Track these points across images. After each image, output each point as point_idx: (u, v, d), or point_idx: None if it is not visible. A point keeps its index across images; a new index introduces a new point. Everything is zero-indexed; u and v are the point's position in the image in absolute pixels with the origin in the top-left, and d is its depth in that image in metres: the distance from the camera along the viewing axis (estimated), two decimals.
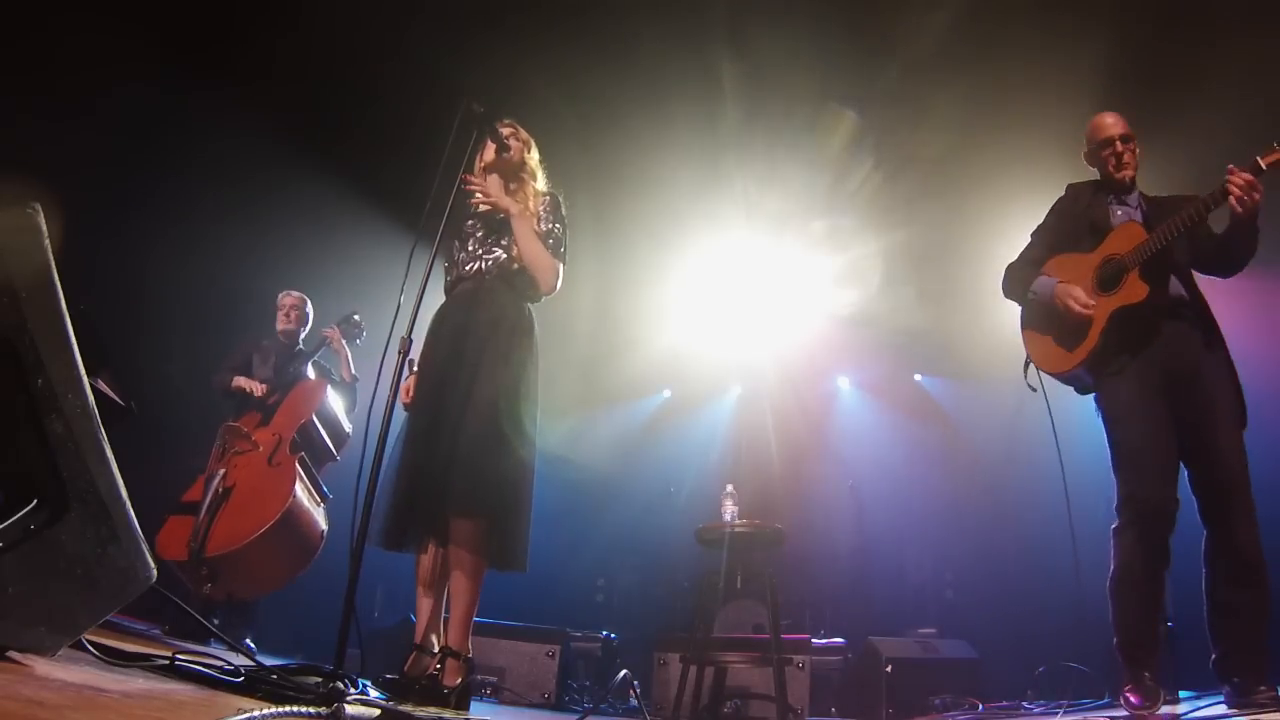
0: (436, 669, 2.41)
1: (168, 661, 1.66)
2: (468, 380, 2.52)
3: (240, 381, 4.12)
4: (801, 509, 6.24)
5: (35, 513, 1.22)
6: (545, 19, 4.78)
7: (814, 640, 4.30)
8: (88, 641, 1.51)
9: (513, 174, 2.83)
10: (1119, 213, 2.71)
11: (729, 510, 4.05)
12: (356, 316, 4.42)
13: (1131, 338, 2.55)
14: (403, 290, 2.47)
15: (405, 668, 2.47)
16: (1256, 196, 2.31)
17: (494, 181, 2.80)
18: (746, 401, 7.52)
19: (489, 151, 2.81)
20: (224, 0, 4.68)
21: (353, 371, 4.32)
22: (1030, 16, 4.48)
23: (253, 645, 3.52)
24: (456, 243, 2.80)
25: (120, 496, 1.33)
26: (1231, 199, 2.32)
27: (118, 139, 4.63)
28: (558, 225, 2.78)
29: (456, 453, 2.43)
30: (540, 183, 2.88)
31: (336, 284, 5.01)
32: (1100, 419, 2.63)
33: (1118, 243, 2.61)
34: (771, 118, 5.30)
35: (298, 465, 3.71)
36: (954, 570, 5.79)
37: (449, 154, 2.61)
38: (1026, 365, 2.85)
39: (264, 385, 4.08)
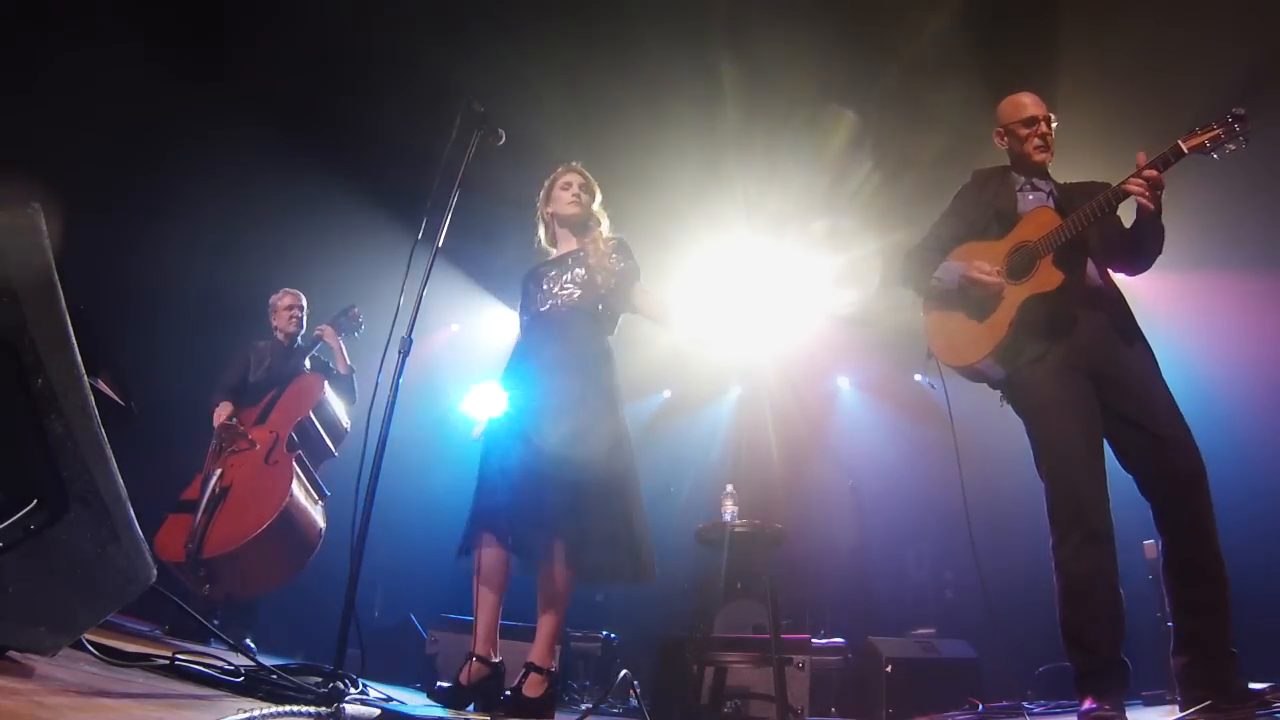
0: (520, 681, 2.51)
1: (168, 661, 1.66)
2: (557, 405, 2.65)
3: (216, 416, 4.00)
4: (801, 509, 6.24)
5: (35, 513, 1.22)
6: (545, 19, 4.77)
7: (814, 640, 4.30)
8: (88, 641, 1.52)
9: (580, 224, 3.02)
10: (1029, 198, 2.57)
11: (729, 510, 4.05)
12: (355, 310, 4.41)
13: (1046, 328, 2.37)
14: (403, 290, 2.48)
15: (461, 676, 2.54)
16: (1159, 193, 2.24)
17: (564, 233, 3.03)
18: (746, 401, 7.52)
19: (559, 204, 3.00)
20: (224, 0, 4.68)
21: (348, 363, 4.31)
22: (1029, 18, 4.49)
23: (253, 646, 3.52)
24: (531, 285, 2.98)
25: (120, 496, 1.33)
26: (1136, 198, 2.23)
27: (118, 139, 4.62)
28: (629, 262, 2.94)
29: (553, 478, 2.55)
30: (606, 227, 3.04)
31: (337, 284, 5.00)
32: (1019, 415, 2.43)
33: (1029, 229, 2.45)
34: (771, 118, 5.30)
35: (295, 463, 3.70)
36: (954, 570, 5.79)
37: (449, 154, 2.62)
38: (929, 357, 2.66)
39: (229, 407, 4.00)
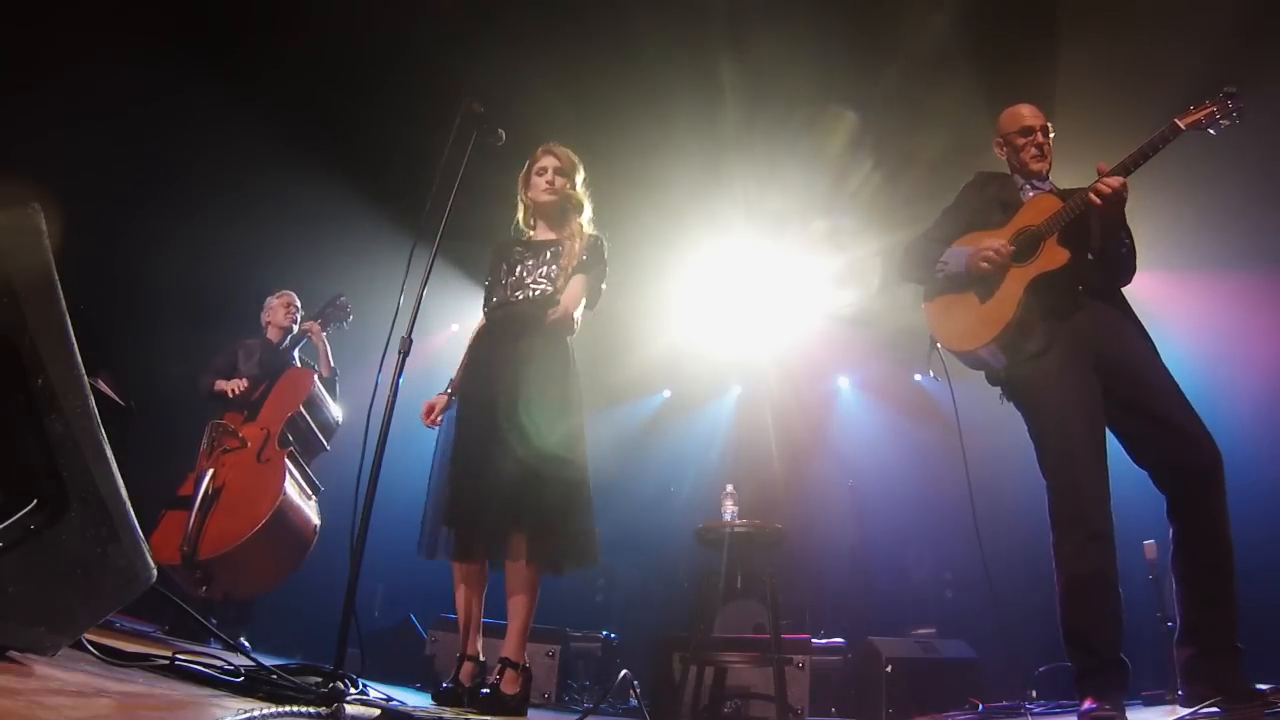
0: (496, 678, 2.54)
1: (168, 661, 1.66)
2: (515, 401, 2.63)
3: (220, 384, 4.08)
4: (801, 509, 6.23)
5: (35, 513, 1.22)
6: (545, 19, 4.77)
7: (814, 640, 4.30)
8: (88, 641, 1.51)
9: (558, 211, 2.96)
10: (1030, 194, 2.59)
11: (729, 510, 4.05)
12: (342, 299, 4.40)
13: (1052, 309, 2.36)
14: (402, 290, 2.48)
15: (459, 676, 2.59)
16: (1121, 197, 2.28)
17: (541, 220, 2.98)
18: (746, 401, 7.53)
19: (534, 191, 2.94)
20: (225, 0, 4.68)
21: (331, 365, 4.30)
22: (1029, 19, 4.50)
23: (247, 644, 3.51)
24: (505, 265, 2.92)
25: (120, 496, 1.33)
26: (1092, 198, 2.28)
27: (118, 139, 4.62)
28: (599, 265, 2.90)
29: (511, 473, 2.55)
30: (587, 214, 2.98)
31: (337, 284, 5.00)
32: (1020, 412, 2.42)
33: (1031, 215, 2.45)
34: (771, 118, 5.30)
35: (287, 460, 3.67)
36: (954, 570, 5.78)
37: (449, 154, 2.62)
38: (931, 347, 2.63)
39: (244, 381, 4.04)
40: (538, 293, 2.81)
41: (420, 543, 2.73)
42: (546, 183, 2.92)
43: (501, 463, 2.56)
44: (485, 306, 2.95)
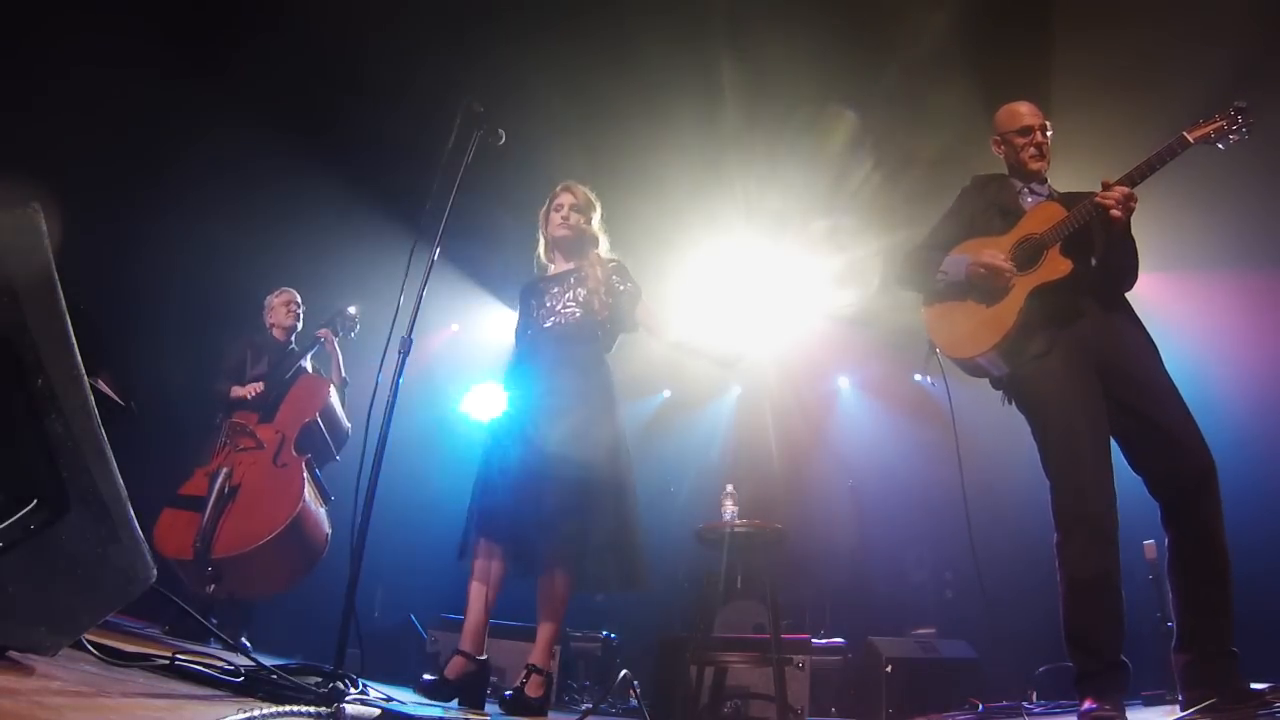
0: (522, 681, 2.66)
1: (168, 661, 1.66)
2: (557, 404, 2.75)
3: (237, 390, 4.08)
4: (801, 509, 6.23)
5: (35, 513, 1.22)
6: (545, 19, 4.77)
7: (814, 640, 4.30)
8: (88, 641, 1.51)
9: (574, 245, 3.06)
10: (1029, 200, 2.58)
11: (729, 510, 4.05)
12: (352, 310, 4.39)
13: (1054, 317, 2.35)
14: (402, 290, 2.48)
15: (448, 671, 2.66)
16: (1132, 205, 2.27)
17: (558, 254, 3.09)
18: (746, 401, 7.52)
19: (551, 226, 3.05)
20: None
21: (343, 374, 4.29)
22: (1029, 18, 4.50)
23: (248, 644, 3.51)
24: (534, 300, 3.03)
25: (120, 496, 1.33)
26: (1112, 212, 2.26)
27: (118, 139, 4.62)
28: (630, 284, 3.01)
29: (550, 476, 2.65)
30: (604, 246, 3.09)
31: (337, 284, 5.00)
32: (1022, 413, 2.42)
33: (1034, 222, 2.44)
34: (772, 118, 5.30)
35: (304, 467, 3.68)
36: (954, 570, 5.79)
37: (449, 154, 2.63)
38: (930, 351, 2.63)
39: (259, 385, 4.05)
40: (567, 315, 2.92)
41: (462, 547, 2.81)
42: (562, 218, 3.04)
43: (543, 467, 2.65)
44: (519, 339, 3.05)
